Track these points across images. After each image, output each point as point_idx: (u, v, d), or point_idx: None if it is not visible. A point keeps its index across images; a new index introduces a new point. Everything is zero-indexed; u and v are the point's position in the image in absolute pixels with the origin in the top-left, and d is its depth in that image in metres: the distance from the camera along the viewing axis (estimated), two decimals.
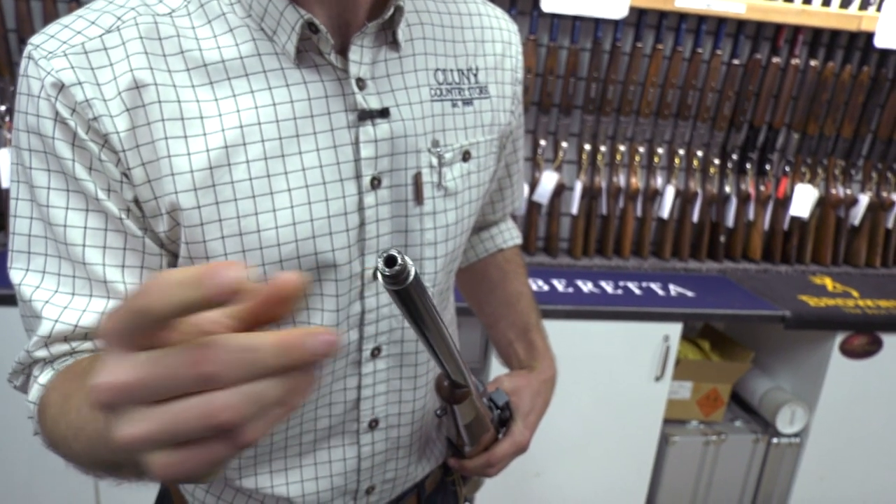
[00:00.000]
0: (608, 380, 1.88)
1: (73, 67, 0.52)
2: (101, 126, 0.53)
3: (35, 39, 0.54)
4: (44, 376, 0.57)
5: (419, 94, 0.65)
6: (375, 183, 0.62)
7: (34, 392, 0.57)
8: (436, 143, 0.66)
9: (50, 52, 0.53)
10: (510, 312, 0.92)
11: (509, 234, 0.96)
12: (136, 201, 0.56)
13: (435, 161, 0.66)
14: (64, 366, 0.56)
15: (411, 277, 0.29)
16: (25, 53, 0.54)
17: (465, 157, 0.69)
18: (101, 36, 0.54)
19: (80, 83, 0.52)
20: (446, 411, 0.67)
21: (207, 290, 0.27)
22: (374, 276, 0.65)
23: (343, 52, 0.60)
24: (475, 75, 0.70)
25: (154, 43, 0.55)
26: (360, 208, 0.62)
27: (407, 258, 0.29)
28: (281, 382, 0.30)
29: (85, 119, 0.53)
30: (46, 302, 0.56)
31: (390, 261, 0.29)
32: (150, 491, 0.82)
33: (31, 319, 0.58)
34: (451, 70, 0.68)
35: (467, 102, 0.69)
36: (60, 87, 0.52)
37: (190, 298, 0.28)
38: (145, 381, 0.29)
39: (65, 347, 0.57)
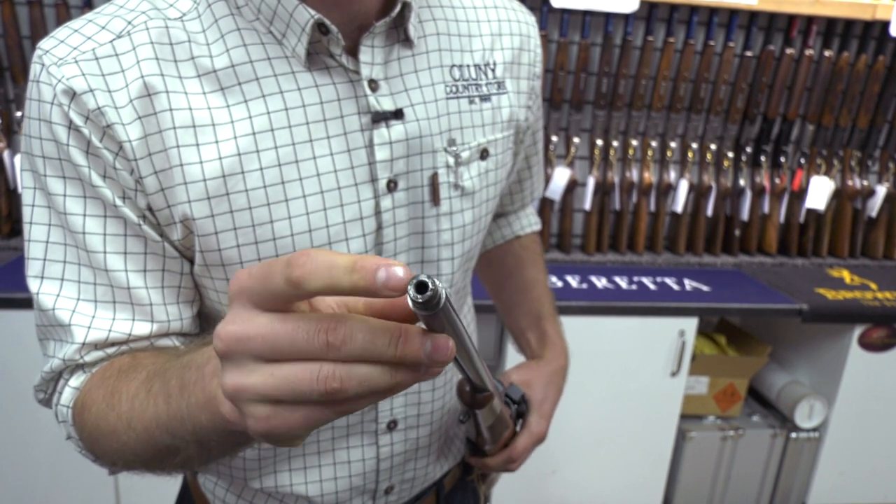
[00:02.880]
0: (624, 376, 1.87)
1: (84, 75, 0.52)
2: (115, 134, 0.52)
3: (45, 44, 0.53)
4: (75, 380, 0.57)
5: (434, 93, 0.63)
6: (392, 186, 0.61)
7: (66, 395, 0.57)
8: (452, 142, 0.64)
9: (60, 58, 0.52)
10: (524, 300, 0.92)
11: (527, 221, 0.96)
12: (150, 209, 0.56)
13: (451, 161, 0.65)
14: (99, 367, 0.56)
15: (443, 301, 0.29)
16: (35, 58, 0.53)
17: (483, 155, 0.68)
18: (111, 41, 0.53)
19: (91, 91, 0.52)
20: (469, 416, 0.66)
21: (368, 283, 0.29)
22: None
23: (354, 52, 0.58)
24: (493, 70, 0.69)
25: (165, 48, 0.54)
26: (377, 212, 0.61)
27: (437, 282, 0.29)
28: (390, 373, 0.32)
29: (99, 126, 0.52)
30: (73, 311, 0.55)
31: (421, 286, 0.29)
32: (171, 491, 0.83)
33: (55, 329, 0.57)
34: (468, 66, 0.66)
35: (485, 99, 0.68)
36: (73, 95, 0.51)
37: (347, 283, 0.30)
38: (269, 337, 0.32)
39: (99, 354, 0.56)
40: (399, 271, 0.29)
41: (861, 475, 2.10)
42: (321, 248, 0.32)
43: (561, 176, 2.01)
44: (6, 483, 1.73)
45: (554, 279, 1.90)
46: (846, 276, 2.11)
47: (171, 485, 0.82)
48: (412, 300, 0.29)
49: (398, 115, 0.60)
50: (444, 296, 0.29)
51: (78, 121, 0.52)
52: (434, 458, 0.77)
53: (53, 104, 0.52)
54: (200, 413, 0.41)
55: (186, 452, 0.46)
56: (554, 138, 2.01)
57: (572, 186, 2.04)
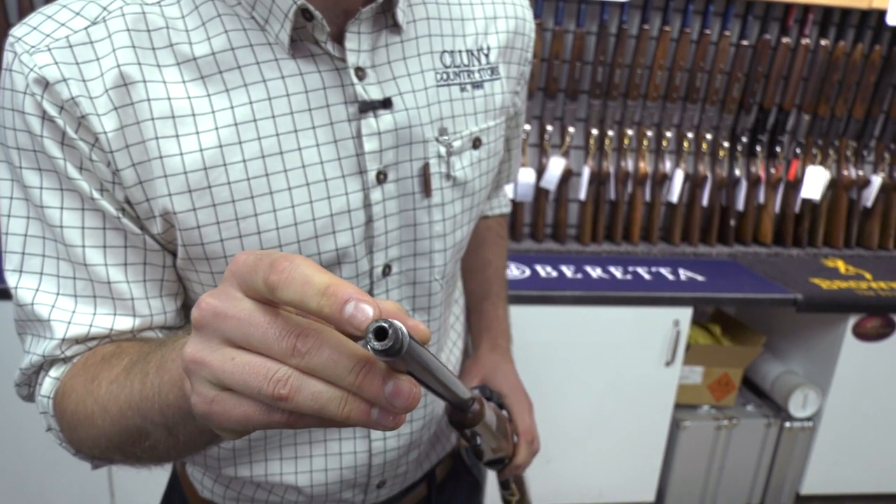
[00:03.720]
0: (618, 365, 1.87)
1: (57, 63, 0.50)
2: (90, 125, 0.51)
3: (17, 31, 0.51)
4: (55, 370, 0.56)
5: (423, 80, 0.61)
6: (381, 178, 0.60)
7: (47, 386, 0.56)
8: (443, 132, 0.63)
9: (33, 46, 0.50)
10: (472, 280, 0.91)
11: (497, 202, 0.94)
12: (129, 202, 0.54)
13: (443, 150, 0.63)
14: (81, 357, 0.55)
15: (404, 349, 0.28)
16: (8, 46, 0.51)
17: (476, 144, 0.66)
18: (86, 28, 0.51)
19: (65, 80, 0.50)
20: (475, 435, 0.64)
21: (333, 312, 0.29)
22: (384, 273, 0.64)
23: (340, 39, 0.56)
24: (486, 55, 0.66)
25: (142, 35, 0.52)
26: (367, 205, 0.60)
27: (396, 323, 0.28)
28: (343, 400, 0.31)
29: (74, 117, 0.50)
30: (53, 306, 0.54)
31: (380, 333, 0.28)
32: (163, 481, 0.82)
33: (34, 324, 0.56)
34: (460, 51, 0.64)
35: (477, 86, 0.66)
36: (45, 84, 0.49)
37: (314, 305, 0.29)
38: (244, 322, 0.32)
39: (80, 348, 0.56)
40: (367, 311, 0.29)
41: (855, 464, 2.11)
42: (308, 260, 0.32)
43: (556, 166, 2.00)
44: (1, 475, 1.73)
45: (549, 269, 1.89)
46: (841, 266, 2.11)
47: (163, 475, 0.82)
48: (372, 349, 0.28)
49: (386, 104, 0.59)
50: (406, 338, 0.28)
51: (52, 111, 0.50)
52: (426, 451, 0.77)
53: (26, 94, 0.50)
54: (170, 391, 0.41)
55: (154, 437, 0.46)
56: (549, 128, 2.00)
57: (567, 176, 2.03)
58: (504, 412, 0.78)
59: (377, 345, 0.28)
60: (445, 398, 0.39)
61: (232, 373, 0.32)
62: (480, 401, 0.56)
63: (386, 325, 0.28)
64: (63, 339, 0.54)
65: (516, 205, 2.05)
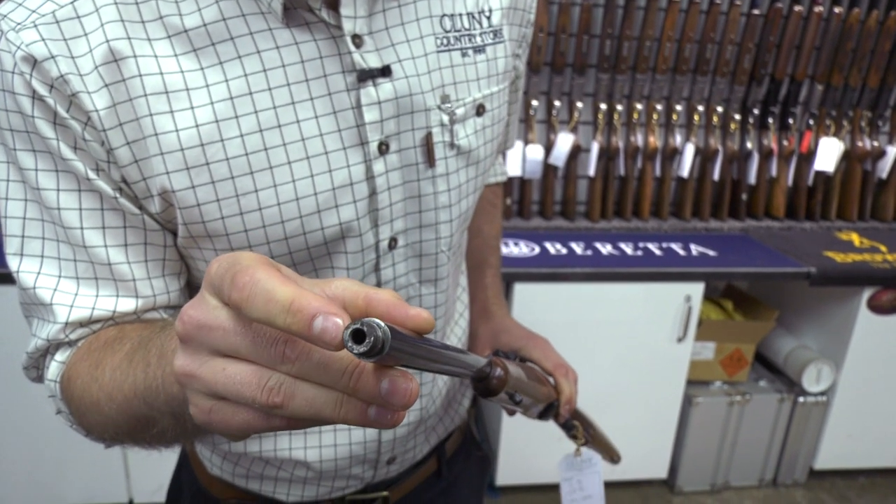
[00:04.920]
0: (629, 342, 1.86)
1: (44, 40, 0.48)
2: (81, 103, 0.49)
3: (2, 8, 0.50)
4: (60, 354, 0.55)
5: (423, 46, 0.59)
6: (383, 148, 0.58)
7: (53, 370, 0.55)
8: (445, 99, 0.61)
9: (19, 23, 0.48)
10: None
11: (493, 171, 0.92)
12: (125, 182, 0.53)
13: (446, 118, 0.61)
14: (85, 341, 0.55)
15: (388, 343, 0.27)
16: None
17: (479, 111, 0.64)
18: (72, 2, 0.49)
19: (52, 57, 0.48)
20: (512, 395, 0.61)
21: (302, 330, 0.28)
22: (390, 246, 0.63)
23: (335, 6, 0.54)
24: (488, 18, 0.64)
25: (130, 8, 0.50)
26: (369, 177, 0.58)
27: (373, 322, 0.27)
28: (338, 403, 0.31)
29: (65, 95, 0.49)
30: (55, 290, 0.54)
31: (358, 336, 0.27)
32: (176, 456, 0.83)
33: (37, 308, 0.55)
34: (460, 14, 0.62)
35: (479, 50, 0.63)
36: (33, 62, 0.48)
37: (281, 324, 0.29)
38: (230, 332, 0.31)
39: (84, 331, 0.55)
40: (336, 322, 0.28)
41: (869, 439, 2.09)
42: (269, 270, 0.31)
43: (564, 142, 1.98)
44: (18, 454, 1.75)
45: (558, 246, 1.88)
46: (855, 238, 2.08)
47: (177, 453, 0.82)
48: (352, 352, 0.27)
49: (385, 72, 0.57)
50: (386, 342, 0.27)
51: (42, 90, 0.49)
52: (434, 424, 0.76)
53: (14, 73, 0.49)
54: (172, 384, 0.40)
55: (162, 424, 0.45)
56: (557, 103, 1.98)
57: (576, 152, 2.01)
58: (528, 364, 0.77)
59: (356, 348, 0.27)
60: (457, 374, 0.38)
61: (225, 384, 0.32)
62: (500, 363, 0.54)
63: (362, 326, 0.27)
64: (66, 323, 0.54)
65: (525, 182, 2.03)
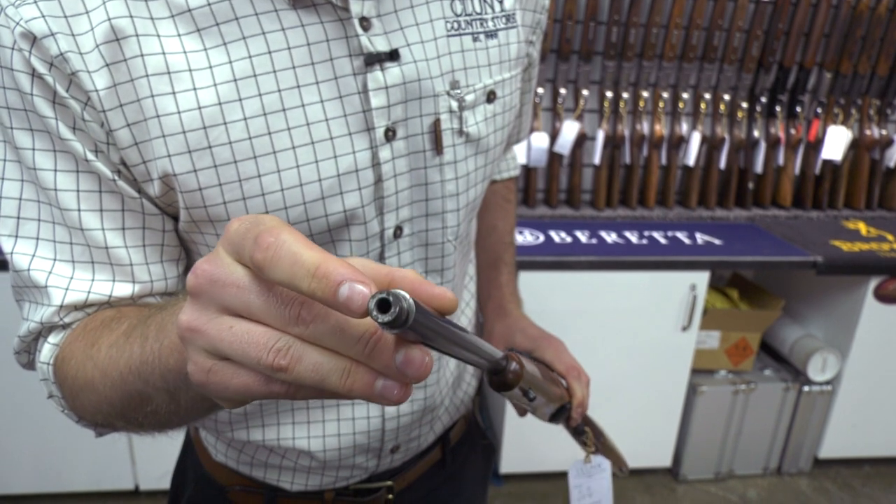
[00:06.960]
0: (634, 331, 1.85)
1: (44, 16, 0.47)
2: (81, 82, 0.48)
3: None
4: (54, 336, 0.55)
5: (433, 30, 0.58)
6: (390, 135, 0.57)
7: (46, 352, 0.55)
8: (455, 85, 0.60)
9: None
10: (476, 245, 0.88)
11: (505, 165, 0.91)
12: (125, 164, 0.52)
13: (455, 105, 0.60)
14: (80, 322, 0.54)
15: (412, 316, 0.27)
16: None
17: (490, 97, 0.63)
18: None
19: (52, 34, 0.47)
20: (526, 392, 0.61)
21: (327, 296, 0.28)
22: (396, 235, 0.62)
23: None
24: (500, 2, 0.63)
25: None
26: (375, 164, 0.57)
27: (399, 293, 0.26)
28: (345, 371, 0.30)
29: (64, 74, 0.48)
30: (50, 272, 0.53)
31: (383, 305, 0.26)
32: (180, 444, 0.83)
33: (31, 290, 0.54)
34: None
35: (490, 35, 0.62)
36: (33, 39, 0.47)
37: (306, 288, 0.28)
38: (245, 290, 0.31)
39: (79, 315, 0.54)
40: (363, 290, 0.27)
41: (874, 428, 2.09)
42: (294, 232, 0.30)
43: (570, 130, 1.96)
44: (25, 440, 1.76)
45: (563, 235, 1.87)
46: (862, 227, 2.07)
47: (182, 439, 0.82)
48: (376, 321, 0.27)
49: (394, 56, 0.56)
50: (410, 314, 0.26)
51: (41, 68, 0.48)
52: (439, 413, 0.76)
53: (14, 49, 0.48)
54: (170, 355, 0.40)
55: (156, 402, 0.45)
56: (562, 91, 1.96)
57: (581, 140, 2.00)
58: (541, 364, 0.77)
59: (381, 317, 0.26)
60: (473, 362, 0.37)
61: (230, 342, 0.31)
62: (516, 357, 0.53)
63: (388, 296, 0.26)
64: (61, 306, 0.53)
65: (530, 170, 2.02)
